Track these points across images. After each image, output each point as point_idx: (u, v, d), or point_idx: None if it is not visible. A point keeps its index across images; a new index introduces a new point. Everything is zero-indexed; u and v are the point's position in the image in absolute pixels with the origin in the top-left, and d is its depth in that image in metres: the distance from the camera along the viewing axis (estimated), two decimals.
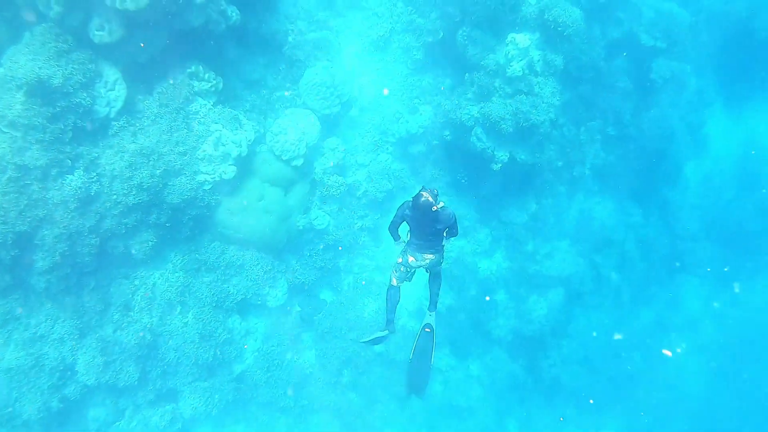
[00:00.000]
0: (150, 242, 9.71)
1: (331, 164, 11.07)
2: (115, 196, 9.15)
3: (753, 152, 14.61)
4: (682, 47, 12.51)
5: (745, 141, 14.89)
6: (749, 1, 13.64)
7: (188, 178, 9.53)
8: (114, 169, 9.13)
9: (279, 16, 11.06)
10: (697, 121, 14.05)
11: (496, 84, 10.56)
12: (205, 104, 9.80)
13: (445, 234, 5.78)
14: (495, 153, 10.79)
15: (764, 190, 14.16)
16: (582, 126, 12.49)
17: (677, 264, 14.19)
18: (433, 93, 11.69)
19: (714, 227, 14.54)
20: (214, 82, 9.89)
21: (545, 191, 12.54)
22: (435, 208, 5.24)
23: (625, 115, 12.81)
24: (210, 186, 9.73)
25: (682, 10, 12.45)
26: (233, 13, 9.61)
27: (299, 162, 10.43)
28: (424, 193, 5.24)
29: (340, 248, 11.42)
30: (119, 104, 9.17)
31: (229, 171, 9.73)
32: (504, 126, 10.34)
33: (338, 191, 11.04)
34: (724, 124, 14.81)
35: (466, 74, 11.00)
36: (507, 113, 10.33)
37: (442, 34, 11.43)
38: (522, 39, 10.14)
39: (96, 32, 8.60)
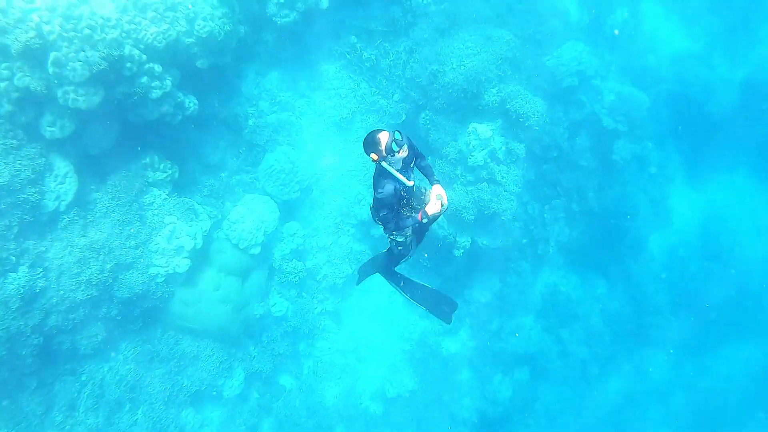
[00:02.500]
0: (99, 336, 9.37)
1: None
2: (62, 292, 8.83)
3: (715, 225, 14.85)
4: (642, 129, 12.71)
5: (707, 214, 15.12)
6: (704, 85, 14.01)
7: (140, 272, 9.24)
8: (62, 264, 8.83)
9: (241, 98, 10.97)
10: (659, 195, 14.21)
11: (458, 172, 10.55)
12: (160, 194, 9.58)
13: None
14: (457, 239, 10.73)
15: (732, 270, 14.35)
16: (546, 204, 12.52)
17: (643, 337, 14.17)
18: None
19: (679, 299, 14.60)
20: (170, 171, 9.70)
21: (510, 269, 12.48)
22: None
23: (589, 192, 12.88)
24: (163, 279, 9.44)
25: (641, 93, 12.69)
26: (191, 104, 9.48)
27: (257, 250, 10.22)
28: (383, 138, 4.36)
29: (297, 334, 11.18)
30: (69, 197, 8.90)
31: (183, 264, 9.46)
32: (466, 214, 10.29)
33: (297, 277, 10.83)
34: (686, 197, 15.02)
35: (428, 158, 10.96)
36: (468, 202, 10.30)
37: (404, 116, 11.45)
38: (483, 130, 10.17)
39: (48, 128, 8.40)
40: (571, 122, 12.35)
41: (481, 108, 10.65)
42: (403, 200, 4.79)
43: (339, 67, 11.62)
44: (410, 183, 4.58)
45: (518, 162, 10.68)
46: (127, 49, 8.30)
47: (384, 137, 4.31)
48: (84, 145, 8.95)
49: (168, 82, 8.91)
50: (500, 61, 10.67)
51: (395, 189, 4.52)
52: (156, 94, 8.80)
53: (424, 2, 11.32)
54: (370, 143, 4.37)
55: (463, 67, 10.41)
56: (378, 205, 4.65)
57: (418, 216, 4.72)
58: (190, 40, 9.04)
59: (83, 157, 9.04)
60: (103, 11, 8.23)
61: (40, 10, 7.82)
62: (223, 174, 10.74)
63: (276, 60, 11.18)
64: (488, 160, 10.32)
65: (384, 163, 4.36)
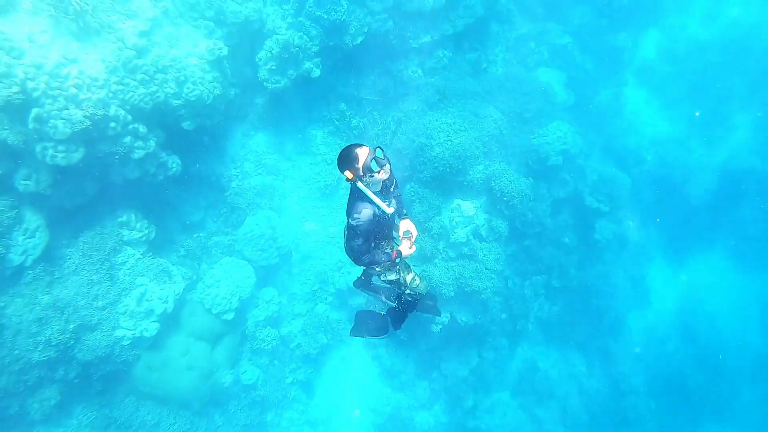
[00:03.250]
0: (53, 400, 8.85)
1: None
2: (17, 352, 8.38)
3: (692, 306, 14.89)
4: (623, 210, 12.84)
5: (685, 294, 15.17)
6: (683, 167, 14.32)
7: (105, 334, 8.83)
8: (20, 321, 8.41)
9: (226, 158, 10.88)
10: (639, 274, 14.27)
11: (440, 247, 10.46)
12: (134, 254, 9.28)
13: None
14: (436, 316, 10.51)
15: (720, 356, 14.34)
16: (527, 279, 12.43)
17: (621, 418, 13.88)
18: None
19: (657, 380, 14.44)
20: (147, 231, 9.44)
21: (487, 344, 12.24)
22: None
23: (570, 269, 12.84)
24: (129, 342, 9.03)
25: (623, 174, 12.90)
26: (174, 164, 9.34)
27: (230, 316, 9.89)
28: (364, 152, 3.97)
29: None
30: (37, 252, 8.56)
31: (152, 328, 9.09)
32: (445, 291, 10.13)
33: (270, 345, 10.47)
34: (665, 277, 15.10)
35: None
36: (449, 278, 10.16)
37: None
38: (467, 207, 10.15)
39: (22, 181, 8.15)
40: (554, 199, 12.42)
41: (466, 183, 10.66)
42: (381, 230, 4.32)
43: (327, 133, 11.65)
44: (390, 210, 4.14)
45: (501, 240, 10.63)
46: (113, 110, 8.19)
47: (363, 153, 3.87)
48: (59, 198, 8.69)
49: (152, 143, 8.77)
50: (487, 139, 10.78)
51: (374, 215, 4.06)
52: (138, 154, 8.64)
53: (416, 75, 11.50)
54: (346, 159, 3.91)
55: (450, 143, 10.47)
56: (352, 234, 4.13)
57: (393, 254, 4.37)
58: (178, 102, 8.98)
59: (57, 211, 8.76)
60: (92, 71, 8.16)
61: (26, 66, 7.73)
62: (201, 234, 10.50)
63: (264, 122, 11.17)
64: (471, 237, 10.26)
65: (360, 184, 3.93)
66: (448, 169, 10.52)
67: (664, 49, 15.40)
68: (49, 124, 7.79)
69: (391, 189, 4.43)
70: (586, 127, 13.51)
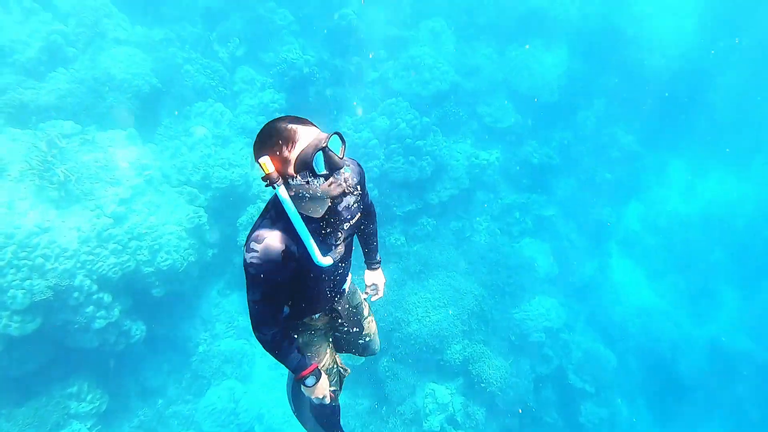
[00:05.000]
0: None
1: None
2: None
3: None
4: (610, 390, 12.26)
5: None
6: (671, 342, 13.94)
7: None
8: None
9: (196, 318, 10.54)
10: None
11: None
12: (80, 429, 8.60)
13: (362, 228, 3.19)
14: None
15: None
16: None
17: None
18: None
19: None
20: (98, 403, 8.82)
21: None
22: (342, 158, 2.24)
23: None
24: None
25: (608, 352, 12.47)
26: (138, 331, 8.97)
27: None
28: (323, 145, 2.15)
29: None
30: None
31: None
32: None
33: None
34: None
35: (384, 407, 10.25)
36: None
37: (363, 359, 10.92)
38: (442, 393, 9.64)
39: None
40: (537, 376, 11.88)
41: (443, 363, 10.22)
42: (299, 286, 2.53)
43: None
44: (325, 261, 2.41)
45: (478, 427, 9.97)
46: (78, 279, 8.00)
47: (304, 134, 2.12)
48: (5, 367, 8.21)
49: (116, 312, 8.48)
50: (467, 317, 10.51)
51: (284, 254, 2.25)
52: (100, 323, 8.31)
53: (398, 242, 11.51)
54: (268, 136, 2.12)
55: (428, 319, 10.19)
56: (248, 281, 2.29)
57: (311, 365, 2.69)
58: (150, 269, 8.83)
59: (0, 380, 8.25)
60: (64, 239, 8.08)
61: None
62: (160, 401, 9.85)
63: (241, 283, 10.95)
64: (445, 425, 9.61)
65: (282, 191, 2.16)
66: (424, 348, 10.14)
67: (647, 222, 15.68)
68: (8, 294, 7.55)
69: (342, 222, 2.56)
70: (571, 298, 13.32)
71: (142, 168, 9.39)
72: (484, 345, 10.48)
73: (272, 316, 2.47)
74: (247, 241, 2.28)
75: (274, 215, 2.32)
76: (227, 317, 10.82)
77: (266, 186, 2.15)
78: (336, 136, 2.19)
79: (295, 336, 2.86)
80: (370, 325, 3.52)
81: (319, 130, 2.20)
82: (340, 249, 2.61)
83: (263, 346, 2.58)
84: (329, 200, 2.35)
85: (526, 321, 11.55)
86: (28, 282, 7.62)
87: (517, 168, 13.75)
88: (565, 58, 15.38)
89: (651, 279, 15.27)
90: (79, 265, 8.04)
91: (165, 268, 8.87)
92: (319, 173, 2.13)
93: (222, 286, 10.98)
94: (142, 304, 9.13)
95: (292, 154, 2.10)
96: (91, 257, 8.16)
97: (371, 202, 3.10)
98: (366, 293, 3.47)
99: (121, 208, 8.78)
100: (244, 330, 10.81)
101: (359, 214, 2.72)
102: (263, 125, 2.19)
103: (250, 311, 2.44)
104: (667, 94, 15.61)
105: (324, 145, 2.10)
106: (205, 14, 12.83)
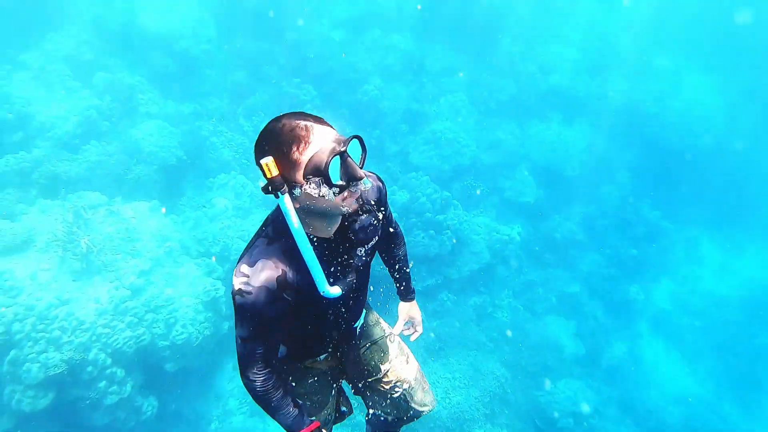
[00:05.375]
0: None
1: None
2: None
3: None
4: None
5: None
6: None
7: None
8: None
9: (209, 395, 10.26)
10: None
11: None
12: None
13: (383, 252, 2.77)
14: None
15: None
16: None
17: None
18: None
19: None
20: None
21: None
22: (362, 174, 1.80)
23: None
24: None
25: None
26: (149, 407, 8.74)
27: None
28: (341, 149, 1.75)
29: None
30: None
31: None
32: None
33: None
34: None
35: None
36: None
37: None
38: None
39: None
40: None
41: None
42: (300, 320, 2.12)
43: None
44: (333, 290, 1.99)
45: None
46: (93, 353, 7.93)
47: (319, 135, 1.73)
48: None
49: (128, 387, 8.31)
50: (488, 398, 10.05)
51: (281, 283, 1.86)
52: (112, 399, 8.14)
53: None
54: (274, 136, 1.74)
55: (447, 401, 9.76)
56: (236, 314, 1.92)
57: (311, 425, 2.26)
58: (165, 343, 8.73)
59: None
60: (81, 312, 8.10)
61: (18, 306, 7.72)
62: None
63: None
64: None
65: (287, 201, 1.77)
66: (444, 431, 9.65)
67: (678, 301, 15.08)
68: (24, 368, 7.51)
69: (356, 245, 2.12)
70: (599, 380, 12.67)
71: (163, 239, 9.51)
72: (508, 430, 9.94)
73: (263, 357, 2.02)
74: (237, 264, 1.88)
75: (271, 233, 1.92)
76: (241, 392, 10.53)
77: (266, 193, 1.77)
78: (356, 140, 1.82)
79: (293, 383, 2.44)
80: (402, 369, 2.82)
81: (336, 132, 1.81)
82: (352, 278, 2.14)
83: (251, 395, 2.17)
84: (341, 217, 1.94)
85: (552, 404, 10.96)
86: (43, 355, 7.58)
87: (540, 243, 13.55)
88: (587, 133, 15.48)
89: (687, 362, 14.48)
90: (94, 338, 8.00)
91: (180, 342, 8.76)
92: (334, 183, 1.72)
93: (236, 361, 10.77)
94: (155, 378, 8.97)
95: (304, 157, 1.70)
96: (107, 330, 8.12)
97: (396, 223, 2.69)
98: (398, 330, 2.89)
99: (140, 279, 8.81)
100: (258, 407, 10.48)
101: (377, 236, 2.23)
102: (269, 121, 1.82)
103: (237, 350, 2.03)
104: (693, 170, 15.49)
105: (343, 149, 1.72)
106: (233, 89, 13.40)
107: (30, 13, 13.18)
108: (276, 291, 1.84)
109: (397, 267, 2.82)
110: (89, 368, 7.92)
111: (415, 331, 2.97)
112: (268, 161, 1.70)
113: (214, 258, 9.76)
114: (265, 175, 1.72)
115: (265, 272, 1.82)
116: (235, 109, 13.10)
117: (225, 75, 13.85)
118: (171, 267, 9.41)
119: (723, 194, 15.95)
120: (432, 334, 11.14)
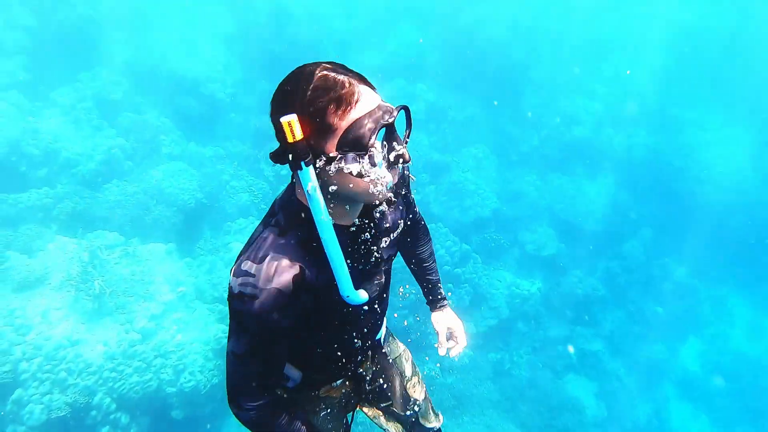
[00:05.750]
0: None
1: None
2: None
3: None
4: None
5: None
6: None
7: None
8: None
9: None
10: None
11: None
12: None
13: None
14: None
15: None
16: None
17: None
18: None
19: None
20: None
21: None
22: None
23: None
24: None
25: None
26: None
27: None
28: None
29: None
30: None
31: None
32: None
33: None
34: None
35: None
36: None
37: None
38: None
39: None
40: None
41: None
42: (322, 342, 1.82)
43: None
44: (361, 295, 1.58)
45: None
46: (98, 397, 7.75)
47: (366, 96, 1.36)
48: None
49: None
50: None
51: (302, 283, 1.48)
52: None
53: (431, 373, 10.88)
54: (300, 88, 1.34)
55: None
56: (232, 323, 1.55)
57: None
58: (172, 389, 8.52)
59: None
60: (90, 354, 7.98)
61: (27, 344, 7.64)
62: None
63: None
64: None
65: (312, 176, 1.35)
66: None
67: (708, 362, 14.41)
68: (26, 409, 7.36)
69: (380, 236, 1.74)
70: None
71: (177, 283, 9.44)
72: None
73: (261, 381, 1.61)
74: (237, 260, 1.49)
75: (282, 221, 1.54)
76: None
77: (278, 162, 1.40)
78: (403, 109, 1.44)
79: (300, 414, 1.89)
80: (416, 389, 2.54)
81: (380, 96, 1.42)
82: (379, 278, 1.75)
83: (246, 426, 1.72)
84: (377, 195, 1.44)
85: None
86: (47, 397, 7.44)
87: (561, 298, 13.16)
88: (611, 186, 15.25)
89: (717, 428, 13.73)
90: (101, 382, 7.84)
91: (188, 389, 8.54)
92: (370, 149, 1.34)
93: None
94: (160, 425, 8.69)
95: (343, 122, 1.32)
96: (113, 374, 7.96)
97: (421, 216, 2.30)
98: (444, 347, 2.42)
99: (151, 323, 8.70)
100: None
101: (402, 223, 1.90)
102: (297, 67, 1.43)
103: (227, 370, 1.61)
104: (721, 226, 15.07)
105: (391, 121, 1.37)
106: (256, 134, 13.53)
107: (66, 52, 13.64)
108: (291, 294, 1.44)
109: (426, 269, 2.44)
110: (93, 412, 7.73)
111: (458, 344, 2.43)
112: (292, 119, 1.30)
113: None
114: (283, 137, 1.32)
115: (278, 271, 1.42)
116: (256, 154, 13.19)
117: (248, 119, 14.05)
118: (183, 312, 9.28)
119: (753, 251, 15.46)
120: (446, 392, 10.76)
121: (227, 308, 1.58)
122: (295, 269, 1.45)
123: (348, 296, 1.55)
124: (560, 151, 15.48)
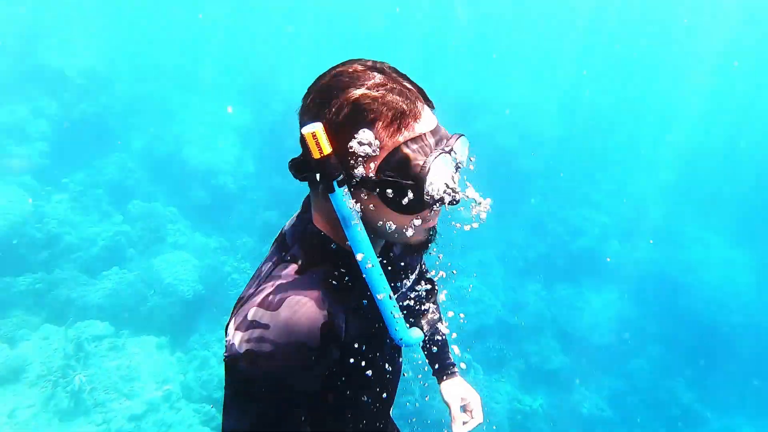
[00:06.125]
0: None
1: None
2: None
3: None
4: None
5: None
6: None
7: None
8: None
9: None
10: None
11: None
12: None
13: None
14: None
15: None
16: None
17: None
18: None
19: None
20: None
21: None
22: None
23: None
24: None
25: None
26: None
27: None
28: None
29: None
30: None
31: None
32: None
33: None
34: None
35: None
36: None
37: None
38: None
39: None
40: None
41: None
42: (349, 404, 1.37)
43: None
44: (416, 334, 1.35)
45: None
46: None
47: (426, 116, 1.12)
48: None
49: None
50: None
51: (333, 334, 1.15)
52: None
53: None
54: (340, 92, 1.07)
55: None
56: (232, 391, 1.15)
57: None
58: None
59: None
60: None
61: None
62: None
63: None
64: None
65: (347, 201, 1.10)
66: None
67: None
68: None
69: (400, 276, 1.55)
70: None
71: (164, 381, 8.97)
72: None
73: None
74: (237, 310, 1.18)
75: (301, 256, 1.24)
76: None
77: (299, 178, 1.15)
78: (463, 138, 1.20)
79: None
80: None
81: (435, 117, 1.18)
82: (424, 328, 1.46)
83: None
84: (413, 230, 1.22)
85: None
86: None
87: (565, 417, 12.47)
88: (616, 300, 14.98)
89: None
90: None
91: None
92: (434, 196, 1.13)
93: None
94: None
95: (389, 141, 1.07)
96: None
97: (427, 268, 1.96)
98: (459, 425, 1.97)
99: (130, 424, 8.14)
100: None
101: (421, 262, 1.69)
102: (336, 65, 1.18)
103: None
104: (729, 350, 14.61)
105: (449, 149, 1.14)
106: (263, 227, 13.51)
107: (84, 139, 13.95)
108: (318, 348, 1.11)
109: (433, 329, 2.03)
110: None
111: (475, 417, 1.99)
112: (318, 130, 1.04)
113: (212, 406, 9.09)
114: (308, 151, 1.06)
115: (301, 317, 1.09)
116: (261, 247, 13.09)
117: (257, 212, 14.10)
118: (166, 413, 8.74)
119: (765, 379, 14.87)
120: None
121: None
122: (323, 316, 1.13)
123: (402, 339, 1.28)
124: (566, 260, 15.38)
